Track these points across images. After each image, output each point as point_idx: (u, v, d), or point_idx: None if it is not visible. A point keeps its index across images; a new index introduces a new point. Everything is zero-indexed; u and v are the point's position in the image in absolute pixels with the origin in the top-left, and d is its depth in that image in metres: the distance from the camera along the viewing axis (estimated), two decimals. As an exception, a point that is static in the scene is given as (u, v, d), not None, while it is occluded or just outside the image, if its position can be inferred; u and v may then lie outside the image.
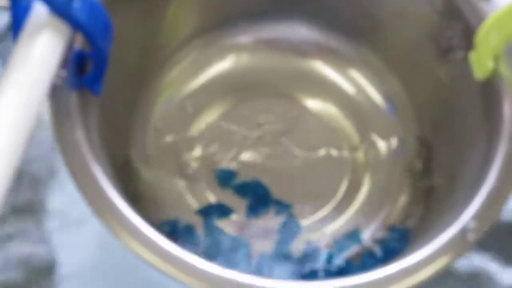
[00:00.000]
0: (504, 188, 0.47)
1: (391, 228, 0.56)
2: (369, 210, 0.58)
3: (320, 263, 0.55)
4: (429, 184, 0.57)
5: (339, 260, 0.55)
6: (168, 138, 0.59)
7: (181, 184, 0.58)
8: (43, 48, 0.42)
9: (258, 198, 0.57)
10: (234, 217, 0.57)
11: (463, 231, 0.45)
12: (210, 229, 0.56)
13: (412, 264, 0.44)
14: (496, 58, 0.48)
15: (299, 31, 0.62)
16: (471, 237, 0.45)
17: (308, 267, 0.55)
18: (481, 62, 0.49)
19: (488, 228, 0.46)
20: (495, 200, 0.46)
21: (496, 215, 0.46)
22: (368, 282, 0.44)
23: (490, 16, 0.48)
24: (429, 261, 0.44)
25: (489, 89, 0.50)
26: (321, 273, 0.54)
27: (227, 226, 0.57)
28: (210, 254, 0.55)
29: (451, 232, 0.45)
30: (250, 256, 0.55)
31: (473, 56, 0.50)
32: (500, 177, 0.47)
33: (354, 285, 0.44)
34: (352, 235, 0.56)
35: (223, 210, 0.57)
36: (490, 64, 0.48)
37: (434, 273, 0.44)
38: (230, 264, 0.55)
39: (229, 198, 0.58)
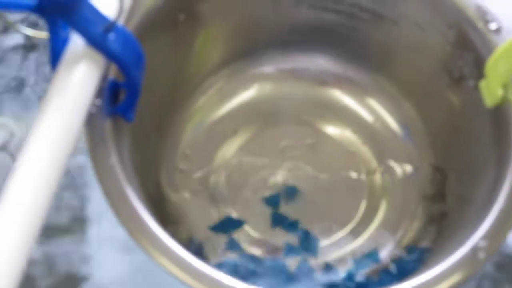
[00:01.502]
0: None
1: (407, 248, 0.57)
2: (386, 231, 0.59)
3: (339, 280, 0.56)
4: (442, 207, 0.58)
5: (358, 277, 0.56)
6: (196, 164, 0.60)
7: (209, 208, 0.59)
8: (81, 76, 0.44)
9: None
10: (255, 234, 0.58)
11: (474, 250, 0.46)
12: (234, 248, 0.57)
13: (426, 281, 0.45)
14: (505, 86, 0.49)
15: (319, 61, 0.64)
16: (482, 255, 0.46)
17: (328, 284, 0.56)
18: (491, 90, 0.50)
19: (498, 248, 0.47)
20: (504, 220, 0.47)
21: (506, 235, 0.47)
22: None
23: (499, 47, 0.48)
24: (442, 279, 0.45)
25: (499, 116, 0.51)
26: None
27: (249, 246, 0.58)
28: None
29: (463, 251, 0.46)
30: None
31: (483, 85, 0.50)
32: (509, 199, 0.48)
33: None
34: (371, 255, 0.57)
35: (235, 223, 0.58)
36: (499, 92, 0.49)
37: (447, 290, 0.45)
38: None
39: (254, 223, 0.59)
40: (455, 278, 0.45)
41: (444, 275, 0.45)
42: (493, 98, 0.50)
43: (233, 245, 0.57)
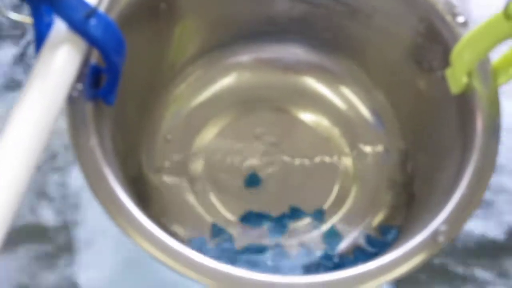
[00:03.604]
0: (474, 195, 0.48)
1: (379, 228, 0.58)
2: (357, 212, 0.60)
3: (316, 259, 0.57)
4: (410, 190, 0.59)
5: (333, 257, 0.57)
6: (176, 148, 0.61)
7: (187, 191, 0.60)
8: (62, 59, 0.44)
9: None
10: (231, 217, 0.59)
11: (435, 234, 0.47)
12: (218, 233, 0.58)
13: (388, 262, 0.46)
14: (469, 74, 0.50)
15: (295, 51, 0.64)
16: (442, 239, 0.47)
17: (307, 264, 0.57)
18: (456, 78, 0.51)
19: (458, 232, 0.47)
20: (465, 206, 0.48)
21: (465, 220, 0.48)
22: (349, 277, 0.45)
23: (463, 36, 0.49)
24: (404, 260, 0.46)
25: (465, 105, 0.52)
26: (321, 269, 0.56)
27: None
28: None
29: (424, 235, 0.47)
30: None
31: (448, 73, 0.51)
32: (471, 185, 0.49)
33: (336, 280, 0.45)
34: (330, 232, 0.58)
35: (260, 217, 0.59)
36: (464, 80, 0.50)
37: (408, 271, 0.46)
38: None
39: (231, 204, 0.60)
40: (415, 261, 0.46)
41: (405, 257, 0.46)
42: (458, 85, 0.51)
43: (217, 230, 0.58)
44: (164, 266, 0.45)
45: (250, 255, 0.56)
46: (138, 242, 0.45)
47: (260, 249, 0.57)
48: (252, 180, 0.60)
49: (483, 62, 0.51)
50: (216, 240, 0.57)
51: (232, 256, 0.56)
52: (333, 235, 0.58)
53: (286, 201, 0.60)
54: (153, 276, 0.56)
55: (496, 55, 0.50)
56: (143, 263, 0.56)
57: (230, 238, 0.58)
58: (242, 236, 0.58)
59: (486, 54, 0.50)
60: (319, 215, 0.59)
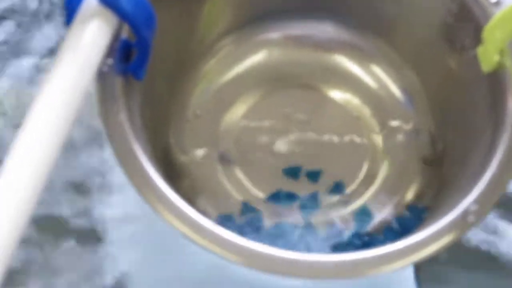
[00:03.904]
0: (504, 175, 0.48)
1: (408, 207, 0.58)
2: (387, 191, 0.59)
3: (345, 239, 0.56)
4: (440, 169, 0.58)
5: (363, 235, 0.57)
6: (204, 125, 0.61)
7: (216, 167, 0.59)
8: (93, 34, 0.44)
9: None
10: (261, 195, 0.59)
11: (465, 213, 0.46)
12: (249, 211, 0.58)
13: (417, 242, 0.46)
14: (501, 52, 0.49)
15: (326, 28, 0.64)
16: (472, 219, 0.46)
17: (335, 244, 0.56)
18: (488, 56, 0.50)
19: (488, 212, 0.47)
20: (495, 186, 0.48)
21: (496, 200, 0.47)
22: (377, 256, 0.45)
23: (496, 15, 0.49)
24: (434, 240, 0.46)
25: (496, 85, 0.51)
26: (350, 247, 0.56)
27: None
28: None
29: (454, 214, 0.47)
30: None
31: (480, 50, 0.51)
32: (501, 165, 0.48)
33: (364, 259, 0.45)
34: (362, 211, 0.58)
35: (289, 197, 0.59)
36: (495, 58, 0.50)
37: (438, 250, 0.46)
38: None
39: (260, 182, 0.59)
40: (445, 240, 0.46)
41: (435, 237, 0.46)
42: (490, 63, 0.50)
43: (247, 208, 0.58)
44: (192, 242, 0.45)
45: (278, 232, 0.56)
46: (167, 218, 0.45)
47: (289, 227, 0.57)
48: (293, 172, 0.59)
49: None
50: (245, 218, 0.57)
51: (260, 234, 0.56)
52: (364, 214, 0.58)
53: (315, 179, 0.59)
54: (184, 255, 0.56)
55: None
56: (173, 241, 0.56)
57: (259, 217, 0.57)
58: (272, 215, 0.58)
59: None
60: (339, 188, 0.59)
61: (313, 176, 0.59)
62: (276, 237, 0.56)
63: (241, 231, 0.55)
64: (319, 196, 0.58)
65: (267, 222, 0.57)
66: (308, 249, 0.56)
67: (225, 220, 0.56)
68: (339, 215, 0.58)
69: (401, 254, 0.45)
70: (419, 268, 0.57)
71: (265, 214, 0.58)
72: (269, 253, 0.45)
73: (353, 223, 0.58)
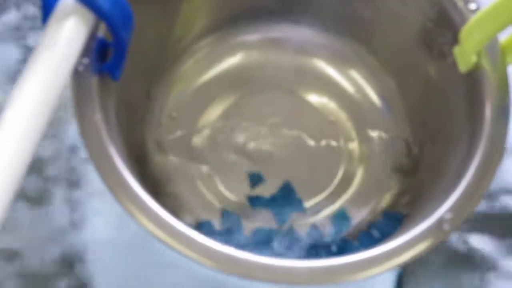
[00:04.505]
0: (480, 184, 0.48)
1: (383, 213, 0.58)
2: (362, 196, 0.59)
3: (322, 243, 0.56)
4: (416, 178, 0.58)
5: (338, 240, 0.56)
6: (180, 126, 0.60)
7: (191, 170, 0.59)
8: (70, 32, 0.44)
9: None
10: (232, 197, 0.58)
11: (440, 222, 0.46)
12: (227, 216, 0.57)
13: (392, 249, 0.46)
14: (478, 53, 0.49)
15: (304, 32, 0.63)
16: (447, 227, 0.46)
17: (311, 246, 0.56)
18: (465, 57, 0.50)
19: (463, 220, 0.47)
20: (471, 194, 0.47)
21: (471, 209, 0.47)
22: (352, 262, 0.45)
23: (473, 16, 0.49)
24: (408, 247, 0.46)
25: (474, 91, 0.51)
26: (323, 253, 0.56)
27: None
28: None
29: (430, 222, 0.47)
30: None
31: (457, 51, 0.51)
32: (477, 174, 0.48)
33: (339, 265, 0.45)
34: (340, 214, 0.58)
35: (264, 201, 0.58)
36: (473, 59, 0.50)
37: (412, 258, 0.45)
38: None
39: (235, 185, 0.59)
40: (420, 248, 0.46)
41: (410, 244, 0.46)
42: (467, 64, 0.50)
43: (227, 216, 0.57)
44: (166, 246, 0.44)
45: (257, 238, 0.56)
46: (140, 221, 0.45)
47: (268, 232, 0.56)
48: (255, 179, 0.59)
49: (492, 41, 0.50)
50: (224, 224, 0.57)
51: (240, 239, 0.56)
52: (342, 218, 0.57)
53: (292, 182, 0.59)
54: (155, 256, 0.56)
55: (504, 34, 0.50)
56: (145, 244, 0.55)
57: (238, 222, 0.57)
58: (251, 219, 0.57)
59: (496, 35, 0.50)
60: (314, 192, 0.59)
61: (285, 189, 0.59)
62: (256, 244, 0.56)
63: (220, 237, 0.55)
64: (295, 200, 0.58)
65: (247, 226, 0.57)
66: (284, 253, 0.55)
67: (204, 227, 0.56)
68: (316, 220, 0.58)
69: (375, 261, 0.45)
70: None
71: (244, 218, 0.57)
72: (244, 258, 0.44)
73: (331, 227, 0.57)
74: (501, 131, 0.49)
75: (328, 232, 0.57)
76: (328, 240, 0.56)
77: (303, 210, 0.58)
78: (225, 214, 0.57)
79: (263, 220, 0.58)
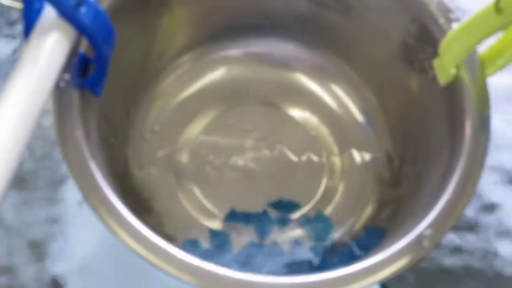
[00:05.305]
0: (460, 200, 0.48)
1: (365, 228, 0.58)
2: (344, 210, 0.59)
3: (302, 258, 0.56)
4: (397, 192, 0.58)
5: (319, 256, 0.56)
6: (162, 142, 0.60)
7: (173, 186, 0.59)
8: (51, 47, 0.44)
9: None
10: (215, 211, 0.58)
11: (419, 238, 0.46)
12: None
13: (371, 265, 0.46)
14: (457, 66, 0.49)
15: (286, 46, 0.63)
16: (426, 243, 0.46)
17: (291, 262, 0.56)
18: (444, 69, 0.50)
19: (442, 237, 0.47)
20: (450, 211, 0.47)
21: (451, 225, 0.47)
22: (332, 278, 0.45)
23: (453, 29, 0.49)
24: (388, 263, 0.46)
25: (455, 106, 0.51)
26: (304, 267, 0.55)
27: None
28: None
29: (409, 238, 0.47)
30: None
31: (436, 63, 0.51)
32: (457, 190, 0.48)
33: (319, 281, 0.45)
34: (318, 218, 0.58)
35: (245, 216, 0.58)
36: (452, 71, 0.50)
37: (392, 274, 0.45)
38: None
39: (217, 200, 0.59)
40: (400, 264, 0.46)
41: (390, 260, 0.46)
42: (446, 76, 0.50)
43: (214, 234, 0.57)
44: (146, 262, 0.44)
45: (245, 255, 0.56)
46: (121, 237, 0.45)
47: (254, 246, 0.56)
48: (233, 216, 0.59)
49: (471, 53, 0.50)
50: (212, 243, 0.57)
51: (228, 257, 0.56)
52: (321, 221, 0.58)
53: (273, 197, 0.59)
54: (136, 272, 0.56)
55: (484, 47, 0.50)
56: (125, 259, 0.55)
57: (227, 239, 0.57)
58: (238, 235, 0.57)
59: (475, 47, 0.50)
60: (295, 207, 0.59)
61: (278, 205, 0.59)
62: (242, 257, 0.56)
63: (206, 255, 0.55)
64: (275, 215, 0.58)
65: (236, 240, 0.57)
66: (268, 270, 0.55)
67: (191, 246, 0.56)
68: (298, 234, 0.58)
69: (356, 277, 0.45)
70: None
71: (232, 232, 0.57)
72: (223, 274, 0.44)
73: (313, 241, 0.57)
74: (481, 147, 0.49)
75: (310, 244, 0.57)
76: (304, 256, 0.56)
77: (286, 223, 0.58)
78: (212, 233, 0.57)
79: (251, 235, 0.58)
